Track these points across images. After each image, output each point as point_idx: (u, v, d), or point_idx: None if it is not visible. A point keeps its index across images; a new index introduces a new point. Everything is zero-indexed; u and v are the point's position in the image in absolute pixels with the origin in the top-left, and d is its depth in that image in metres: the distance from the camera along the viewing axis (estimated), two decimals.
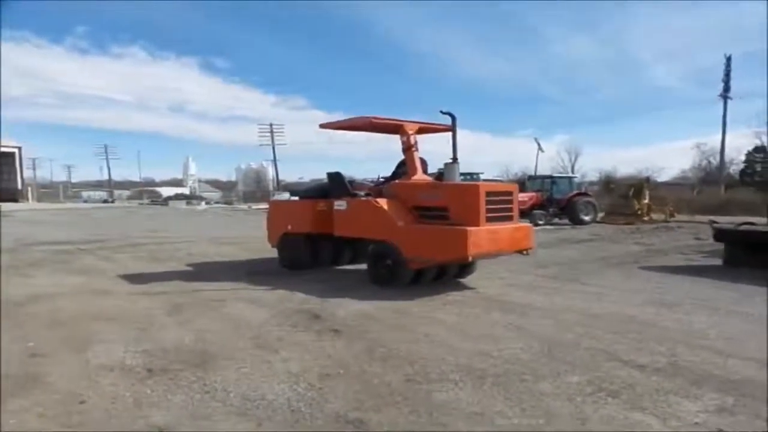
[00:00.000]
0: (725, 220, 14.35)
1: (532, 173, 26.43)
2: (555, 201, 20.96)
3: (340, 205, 8.10)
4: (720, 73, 37.85)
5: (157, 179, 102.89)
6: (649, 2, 64.82)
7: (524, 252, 7.44)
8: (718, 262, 9.75)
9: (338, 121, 8.82)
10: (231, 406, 3.44)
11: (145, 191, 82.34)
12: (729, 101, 36.45)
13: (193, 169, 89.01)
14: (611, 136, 74.52)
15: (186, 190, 79.56)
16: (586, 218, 20.57)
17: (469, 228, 6.53)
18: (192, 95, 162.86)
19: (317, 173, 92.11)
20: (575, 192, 21.52)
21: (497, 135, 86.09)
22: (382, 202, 7.47)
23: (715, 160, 50.18)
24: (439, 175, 8.12)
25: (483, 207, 6.76)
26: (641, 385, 3.72)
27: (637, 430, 3.05)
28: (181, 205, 52.34)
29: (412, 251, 7.00)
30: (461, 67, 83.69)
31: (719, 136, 38.63)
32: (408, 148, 8.00)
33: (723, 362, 4.22)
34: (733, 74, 38.19)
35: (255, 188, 73.40)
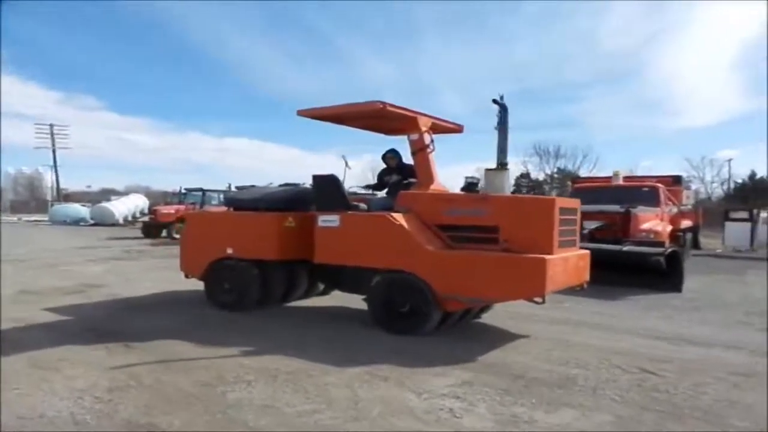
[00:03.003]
0: None
1: None
2: None
3: (328, 221, 6.08)
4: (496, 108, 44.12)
5: None
6: (438, 34, 73.04)
7: (582, 286, 6.00)
8: None
9: (325, 108, 6.47)
10: (5, 425, 3.26)
11: None
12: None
13: None
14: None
15: None
16: None
17: (547, 257, 5.08)
18: None
19: (109, 182, 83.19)
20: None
21: (307, 150, 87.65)
22: (400, 219, 5.69)
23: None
24: (464, 187, 6.35)
25: (557, 228, 5.34)
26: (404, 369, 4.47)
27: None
28: None
29: (448, 286, 5.37)
30: (270, 79, 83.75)
31: (493, 163, 45.18)
32: (421, 149, 6.15)
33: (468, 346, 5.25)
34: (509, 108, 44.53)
35: (28, 197, 63.40)
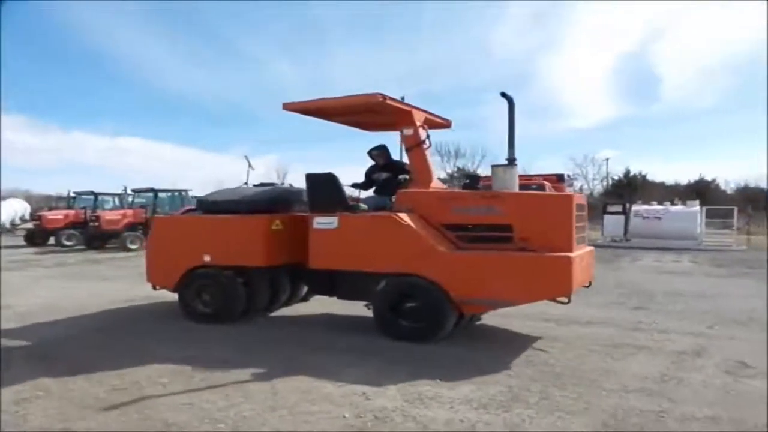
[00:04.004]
0: None
1: None
2: None
3: (324, 222, 5.65)
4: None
5: None
6: (344, 36, 73.39)
7: (589, 284, 5.80)
8: None
9: (315, 101, 6.00)
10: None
11: None
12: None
13: None
14: (316, 156, 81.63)
15: None
16: None
17: (571, 255, 4.94)
18: None
19: None
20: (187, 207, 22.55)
21: (208, 151, 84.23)
22: (408, 219, 5.37)
23: None
24: (466, 185, 6.10)
25: (574, 225, 5.15)
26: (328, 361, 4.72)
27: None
28: None
29: (466, 290, 5.13)
30: (167, 78, 79.34)
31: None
32: (417, 144, 5.79)
33: None
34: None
35: None
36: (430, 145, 5.98)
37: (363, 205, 5.92)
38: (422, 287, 5.26)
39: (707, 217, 20.62)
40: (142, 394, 3.91)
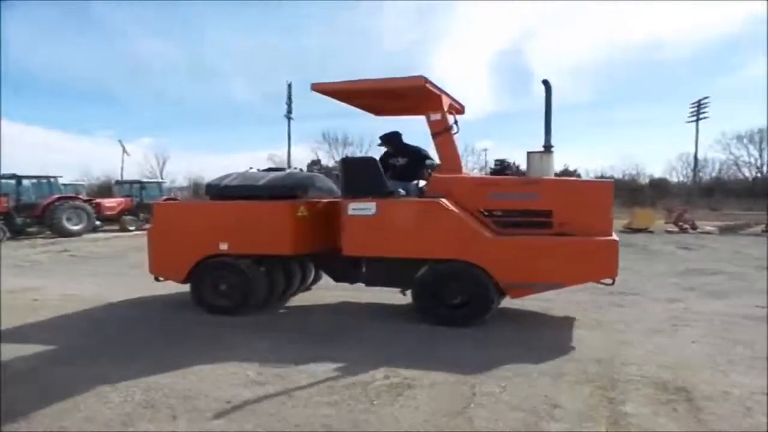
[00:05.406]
0: None
1: (118, 178, 26.41)
2: (146, 206, 20.27)
3: (360, 208, 5.44)
4: (284, 96, 45.12)
5: None
6: (218, 14, 71.31)
7: None
8: None
9: (345, 83, 5.69)
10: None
11: None
12: (292, 121, 44.63)
13: None
14: (198, 142, 79.28)
15: None
16: None
17: (616, 238, 5.17)
18: None
19: None
20: (165, 197, 21.57)
21: (73, 134, 78.70)
22: (452, 205, 5.29)
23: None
24: (496, 170, 6.18)
25: (612, 211, 5.33)
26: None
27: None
28: None
29: (511, 274, 5.19)
30: (28, 54, 71.86)
31: (286, 150, 46.90)
32: (445, 130, 5.61)
33: None
34: (295, 99, 45.60)
35: None
36: (458, 130, 5.84)
37: (402, 191, 5.69)
38: (467, 272, 5.28)
39: None
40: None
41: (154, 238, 6.26)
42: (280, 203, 5.79)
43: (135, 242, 14.11)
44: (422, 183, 6.01)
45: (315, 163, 55.80)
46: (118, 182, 25.23)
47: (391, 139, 6.30)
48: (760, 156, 48.92)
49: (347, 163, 5.83)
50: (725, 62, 69.31)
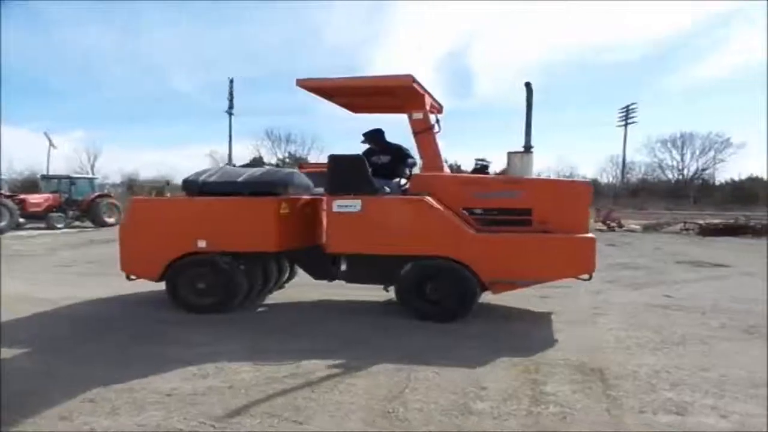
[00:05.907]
0: None
1: (45, 172, 24.72)
2: (75, 203, 20.07)
3: (345, 205, 5.48)
4: (226, 92, 44.22)
5: None
6: (161, 7, 69.26)
7: None
8: None
9: (331, 80, 5.78)
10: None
11: None
12: (233, 116, 44.01)
13: None
14: (132, 137, 75.72)
15: None
16: (110, 220, 20.08)
17: (593, 236, 5.44)
18: None
19: None
20: (97, 194, 21.01)
21: None
22: (436, 202, 5.40)
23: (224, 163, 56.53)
24: (477, 170, 6.34)
25: (589, 210, 5.59)
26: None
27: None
28: None
29: (496, 270, 5.35)
30: None
31: (227, 145, 46.17)
32: (427, 129, 5.75)
33: None
34: (236, 94, 44.90)
35: None
36: (440, 129, 5.95)
37: (387, 189, 5.78)
38: (450, 269, 5.40)
39: None
40: None
41: (126, 234, 6.08)
42: (264, 200, 5.77)
43: (65, 240, 13.53)
44: (403, 181, 6.20)
45: (256, 161, 54.66)
46: (44, 177, 23.39)
47: (374, 137, 6.34)
48: (682, 159, 52.52)
49: (335, 159, 5.75)
50: (656, 67, 73.58)
